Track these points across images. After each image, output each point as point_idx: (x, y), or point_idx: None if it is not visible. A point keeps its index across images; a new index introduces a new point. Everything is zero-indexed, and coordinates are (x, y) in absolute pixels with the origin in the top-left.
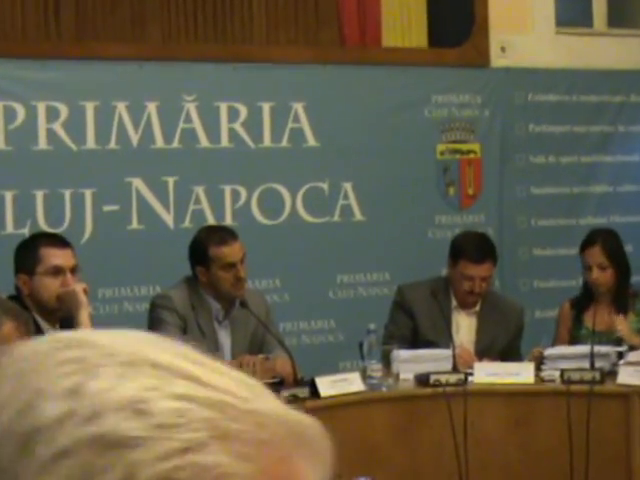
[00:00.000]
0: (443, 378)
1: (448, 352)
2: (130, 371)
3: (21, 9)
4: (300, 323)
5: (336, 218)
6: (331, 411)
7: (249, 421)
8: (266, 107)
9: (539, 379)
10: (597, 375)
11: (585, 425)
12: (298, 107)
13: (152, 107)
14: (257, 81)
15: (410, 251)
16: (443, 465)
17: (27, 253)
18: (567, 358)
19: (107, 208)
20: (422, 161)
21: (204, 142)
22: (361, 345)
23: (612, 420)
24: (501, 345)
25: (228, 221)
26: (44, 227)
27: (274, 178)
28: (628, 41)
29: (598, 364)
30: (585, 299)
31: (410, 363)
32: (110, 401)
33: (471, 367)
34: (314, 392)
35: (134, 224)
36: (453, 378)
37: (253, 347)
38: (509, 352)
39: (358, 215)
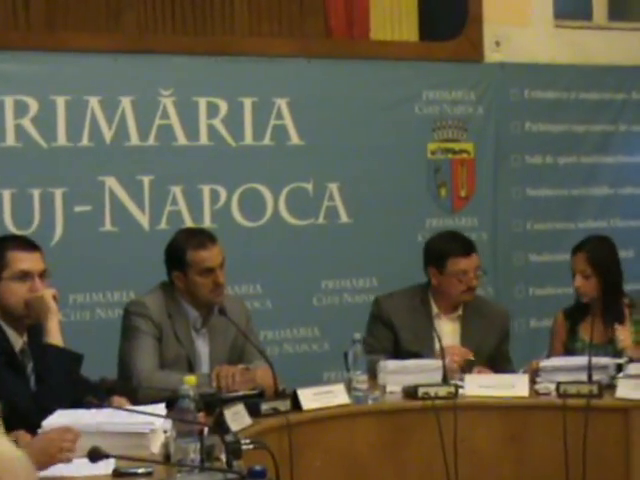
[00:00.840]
0: (432, 391)
1: (437, 363)
2: None
3: None
4: (282, 331)
5: (321, 220)
6: (314, 425)
7: None
8: (247, 103)
9: (534, 392)
10: (595, 388)
11: (582, 441)
12: (281, 103)
13: (127, 102)
14: (238, 75)
15: (399, 256)
16: None
17: None
18: (563, 370)
19: (79, 209)
20: (412, 161)
21: (182, 139)
22: (346, 355)
23: (610, 436)
24: (488, 351)
25: (207, 223)
26: (11, 229)
27: (256, 178)
28: (630, 35)
29: (596, 377)
30: (578, 310)
31: (397, 375)
32: None
33: (467, 366)
34: (296, 405)
35: (107, 226)
36: (443, 391)
37: (232, 357)
38: (498, 358)
39: (344, 217)
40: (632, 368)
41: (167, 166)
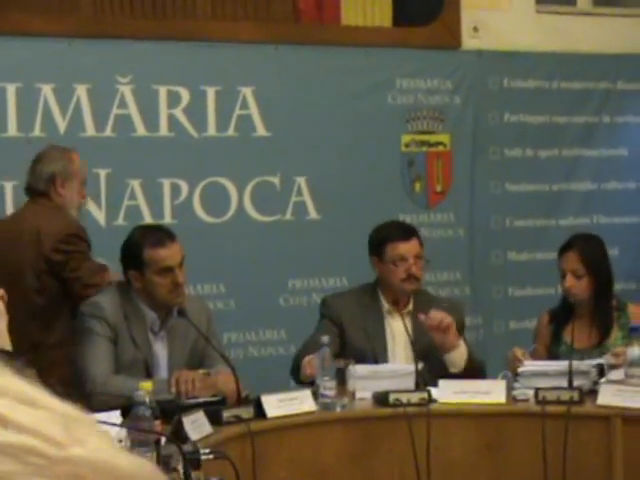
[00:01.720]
0: (404, 397)
1: (410, 368)
2: None
3: None
4: (247, 333)
5: (288, 216)
6: (279, 433)
7: (60, 473)
8: (211, 91)
9: (511, 399)
10: (575, 395)
11: (562, 450)
12: (246, 92)
13: (82, 90)
14: (200, 62)
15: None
16: None
17: None
18: (542, 376)
19: None
20: (385, 153)
21: (140, 130)
22: None
23: (592, 445)
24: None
25: (167, 219)
26: None
27: (219, 171)
28: (616, 22)
29: (577, 382)
30: (564, 311)
31: (367, 380)
32: None
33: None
34: (260, 412)
35: None
36: (415, 397)
37: (193, 361)
38: None
39: (313, 213)
40: (614, 374)
41: (125, 158)
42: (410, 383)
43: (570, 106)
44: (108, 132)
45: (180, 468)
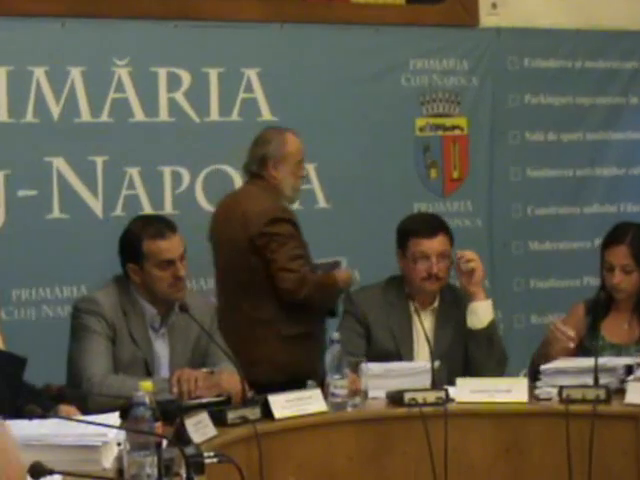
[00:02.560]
0: (420, 396)
1: (426, 366)
2: None
3: None
4: None
5: (296, 206)
6: (287, 435)
7: None
8: (213, 74)
9: (533, 398)
10: (602, 393)
11: (587, 451)
12: (251, 74)
13: (76, 73)
14: (202, 43)
15: (383, 246)
16: None
17: None
18: (567, 373)
19: (23, 193)
20: (398, 138)
21: (139, 115)
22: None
23: (619, 446)
24: (461, 345)
25: (168, 209)
26: None
27: (222, 158)
28: None
29: (603, 380)
30: (603, 305)
31: (381, 379)
32: None
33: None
34: (267, 413)
35: (55, 212)
36: (431, 396)
37: (195, 359)
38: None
39: (322, 202)
40: None
41: (123, 145)
42: (426, 381)
43: (595, 86)
44: (104, 117)
45: (183, 473)
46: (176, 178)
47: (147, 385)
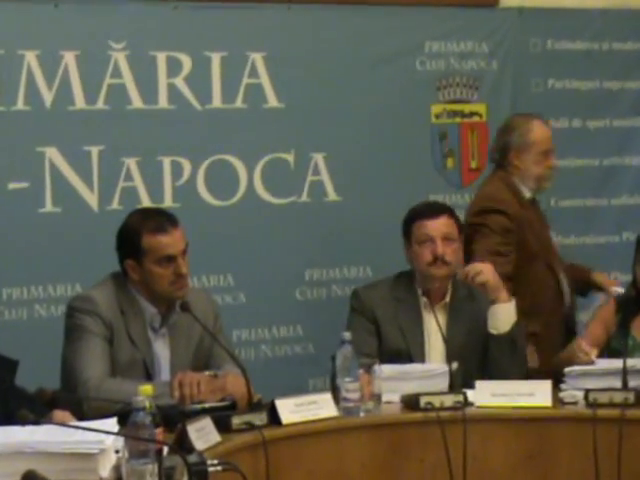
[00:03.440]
0: (437, 400)
1: (443, 368)
2: None
3: None
4: (259, 331)
5: (304, 198)
6: (296, 442)
7: None
8: (216, 58)
9: (558, 401)
10: (631, 396)
11: (615, 459)
12: (256, 57)
13: (70, 57)
14: (204, 25)
15: (397, 240)
16: None
17: None
18: (593, 375)
19: (13, 185)
20: (413, 126)
21: (137, 102)
22: (334, 358)
23: None
24: (480, 338)
25: (168, 202)
26: None
27: (226, 148)
28: None
29: (632, 383)
30: (633, 302)
31: (395, 381)
32: None
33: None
34: (274, 418)
35: (48, 206)
36: (449, 400)
37: (198, 361)
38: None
39: (332, 194)
40: None
41: (119, 134)
42: (443, 384)
43: (623, 70)
44: (100, 105)
45: None
46: (176, 169)
47: (147, 389)
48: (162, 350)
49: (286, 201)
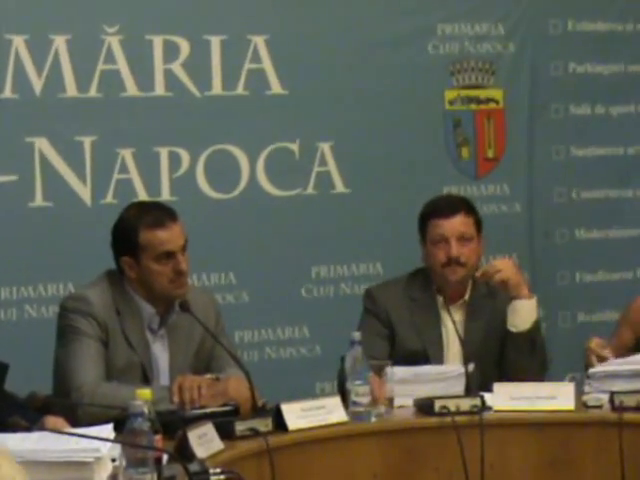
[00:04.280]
0: (452, 404)
1: (458, 370)
2: None
3: None
4: (262, 331)
5: (310, 190)
6: (303, 449)
7: None
8: (215, 42)
9: (581, 405)
10: None
11: None
12: (258, 41)
13: (61, 42)
14: (203, 7)
15: (409, 234)
16: None
17: None
18: (619, 377)
19: (1, 179)
20: (425, 113)
21: (132, 89)
22: (343, 360)
23: None
24: (495, 343)
25: (165, 195)
26: None
27: (226, 137)
28: None
29: None
30: None
31: (408, 384)
32: None
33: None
34: (280, 424)
35: (38, 200)
36: (465, 404)
37: (199, 364)
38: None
39: (339, 186)
40: None
41: (114, 124)
42: (459, 387)
43: None
44: (93, 92)
45: None
46: (174, 160)
47: (145, 393)
48: (161, 352)
49: (291, 193)
